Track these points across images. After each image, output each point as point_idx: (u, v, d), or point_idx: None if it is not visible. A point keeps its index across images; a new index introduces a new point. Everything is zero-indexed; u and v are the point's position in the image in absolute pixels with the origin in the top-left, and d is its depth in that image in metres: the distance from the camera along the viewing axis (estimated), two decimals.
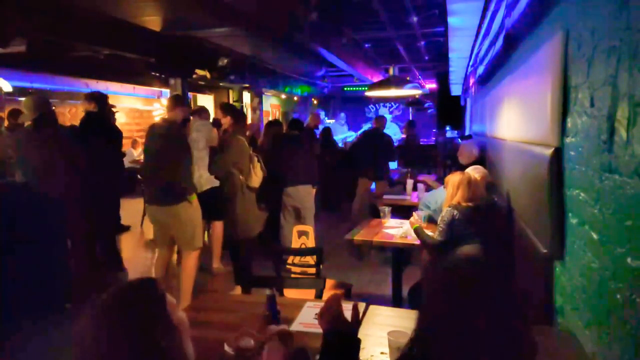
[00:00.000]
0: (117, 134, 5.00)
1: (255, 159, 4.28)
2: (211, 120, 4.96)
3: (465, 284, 0.97)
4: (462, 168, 3.69)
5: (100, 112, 4.75)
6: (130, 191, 7.73)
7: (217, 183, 4.25)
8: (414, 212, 3.48)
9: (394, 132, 13.68)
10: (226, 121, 3.97)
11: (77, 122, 5.20)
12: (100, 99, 4.74)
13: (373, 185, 6.61)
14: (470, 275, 1.00)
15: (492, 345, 0.90)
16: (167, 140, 3.56)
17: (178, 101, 3.82)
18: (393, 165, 7.99)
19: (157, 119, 11.01)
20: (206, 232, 5.16)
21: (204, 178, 4.32)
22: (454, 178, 2.97)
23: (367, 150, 6.45)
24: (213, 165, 3.88)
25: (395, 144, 8.19)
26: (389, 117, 15.34)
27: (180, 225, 3.56)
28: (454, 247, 2.80)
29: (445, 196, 3.09)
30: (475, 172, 3.35)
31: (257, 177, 4.23)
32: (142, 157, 9.79)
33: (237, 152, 4.03)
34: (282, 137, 5.27)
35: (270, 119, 11.84)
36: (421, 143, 9.73)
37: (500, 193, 3.38)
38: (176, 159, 3.52)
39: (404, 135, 8.84)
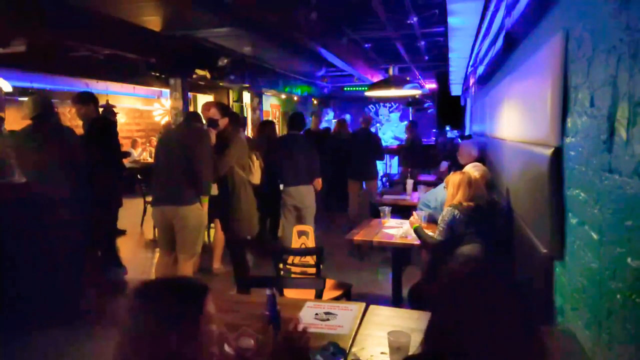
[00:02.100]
0: (115, 134, 4.99)
1: (254, 156, 4.33)
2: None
3: (472, 285, 0.98)
4: (461, 168, 3.69)
5: (102, 114, 4.76)
6: (129, 191, 7.73)
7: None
8: (413, 212, 3.48)
9: (401, 130, 13.70)
10: (224, 121, 4.01)
11: (76, 122, 5.21)
12: (95, 99, 4.73)
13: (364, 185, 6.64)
14: (475, 276, 1.00)
15: (502, 345, 0.91)
16: (198, 138, 3.62)
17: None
18: (394, 165, 7.96)
19: (163, 121, 11.03)
20: (206, 232, 5.16)
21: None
22: (454, 178, 2.97)
23: (355, 151, 6.45)
24: (219, 164, 3.92)
25: (398, 144, 8.18)
26: (396, 115, 15.36)
27: (186, 228, 3.55)
28: (454, 246, 2.81)
29: (445, 194, 3.09)
30: (475, 169, 3.35)
31: (257, 173, 4.31)
32: (142, 157, 9.84)
33: (239, 149, 4.08)
34: (283, 136, 5.28)
35: (270, 119, 11.85)
36: (423, 143, 9.74)
37: (500, 192, 3.38)
38: (205, 155, 3.59)
39: (407, 135, 8.84)
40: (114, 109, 7.06)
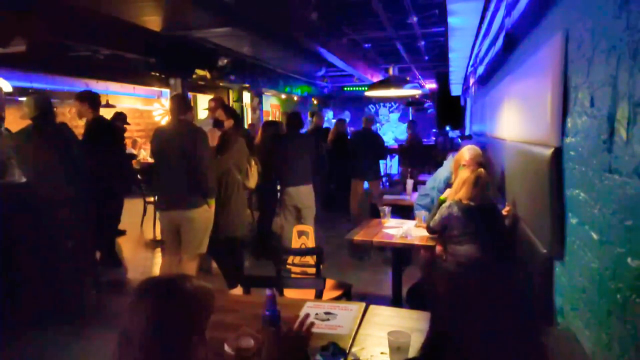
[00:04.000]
0: (119, 136, 4.99)
1: (253, 160, 4.31)
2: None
3: (471, 287, 0.98)
4: None
5: (99, 114, 4.76)
6: (128, 191, 7.73)
7: None
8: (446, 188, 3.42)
9: (401, 131, 13.72)
10: (229, 123, 3.99)
11: (76, 122, 5.20)
12: (91, 99, 4.72)
13: (366, 185, 6.63)
14: (475, 278, 1.01)
15: (503, 347, 0.91)
16: (197, 137, 3.56)
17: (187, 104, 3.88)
18: (395, 166, 7.93)
19: (163, 121, 11.01)
20: None
21: None
22: (463, 173, 2.98)
23: (358, 150, 6.45)
24: (216, 163, 3.90)
25: (399, 144, 8.18)
26: (395, 116, 15.36)
27: (193, 230, 3.54)
28: (454, 245, 2.82)
29: (446, 173, 3.12)
30: (468, 151, 3.36)
31: (253, 178, 4.29)
32: (142, 157, 9.83)
33: (238, 151, 4.07)
34: (283, 136, 5.27)
35: (270, 119, 11.85)
36: (423, 143, 9.75)
37: (500, 192, 3.38)
38: (206, 158, 3.55)
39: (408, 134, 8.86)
40: (123, 117, 7.02)
